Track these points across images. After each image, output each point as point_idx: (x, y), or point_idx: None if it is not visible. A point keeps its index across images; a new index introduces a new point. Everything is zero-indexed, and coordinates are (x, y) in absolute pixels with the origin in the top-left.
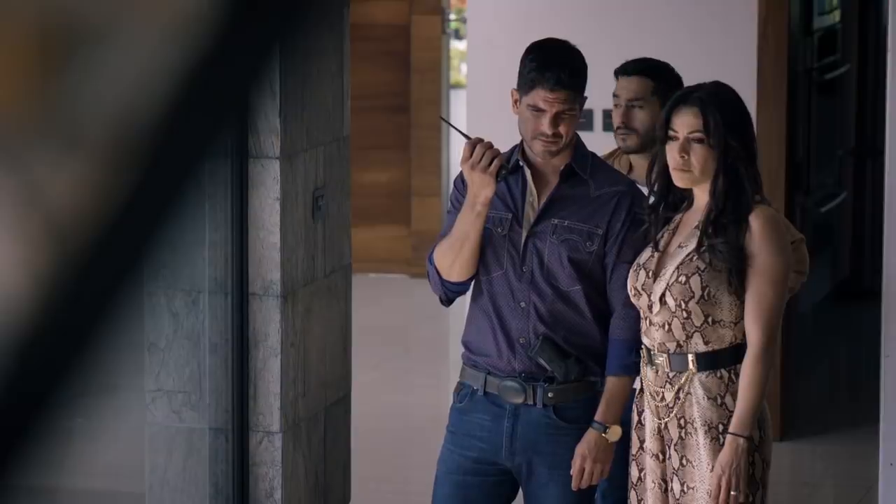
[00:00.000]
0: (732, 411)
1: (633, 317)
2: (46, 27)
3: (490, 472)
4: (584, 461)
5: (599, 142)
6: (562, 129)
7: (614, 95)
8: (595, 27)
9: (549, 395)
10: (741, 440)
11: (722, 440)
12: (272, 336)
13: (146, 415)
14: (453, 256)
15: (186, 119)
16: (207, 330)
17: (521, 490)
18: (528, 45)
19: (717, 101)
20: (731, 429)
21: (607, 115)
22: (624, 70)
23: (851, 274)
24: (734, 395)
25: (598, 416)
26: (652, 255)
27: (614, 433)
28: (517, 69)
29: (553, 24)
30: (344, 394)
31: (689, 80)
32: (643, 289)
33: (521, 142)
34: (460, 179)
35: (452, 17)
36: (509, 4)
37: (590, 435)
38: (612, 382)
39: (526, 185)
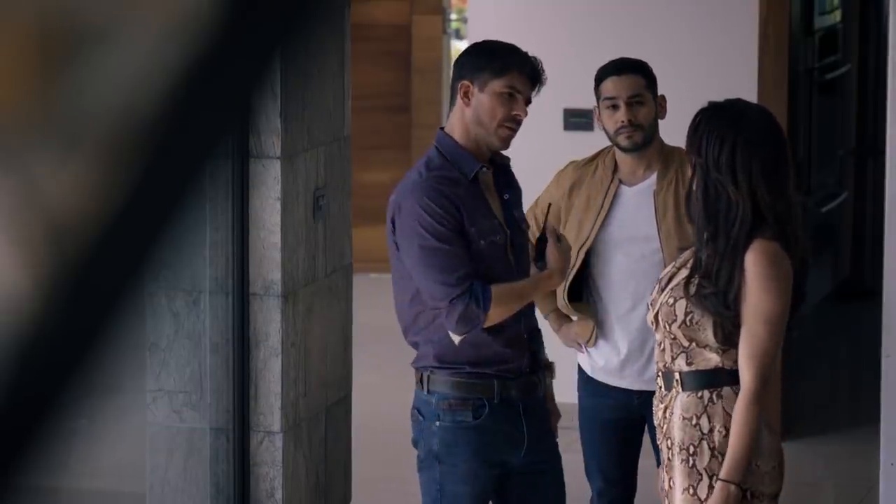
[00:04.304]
0: (706, 433)
1: None
2: (46, 27)
3: (502, 471)
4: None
5: (598, 141)
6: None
7: (607, 98)
8: (595, 27)
9: (547, 380)
10: (731, 487)
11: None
12: (273, 336)
13: (147, 415)
14: (518, 307)
15: (187, 119)
16: (208, 330)
17: (517, 485)
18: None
19: None
20: (721, 474)
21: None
22: (614, 70)
23: (852, 274)
24: (710, 417)
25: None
26: (671, 272)
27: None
28: None
29: (553, 24)
30: (345, 394)
31: (688, 80)
32: (651, 304)
33: (456, 147)
34: (437, 204)
35: (453, 16)
36: (509, 4)
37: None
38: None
39: (487, 188)
